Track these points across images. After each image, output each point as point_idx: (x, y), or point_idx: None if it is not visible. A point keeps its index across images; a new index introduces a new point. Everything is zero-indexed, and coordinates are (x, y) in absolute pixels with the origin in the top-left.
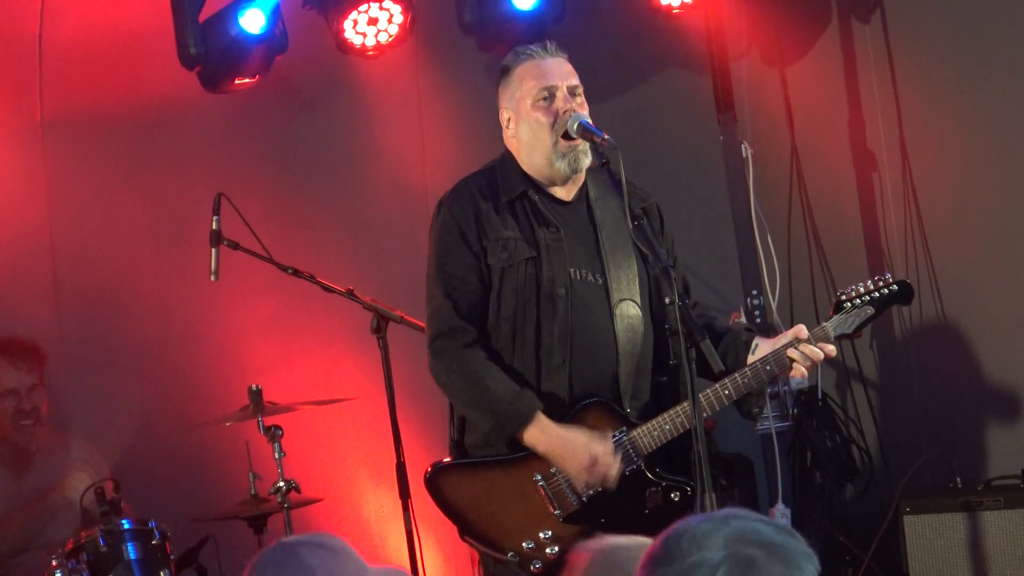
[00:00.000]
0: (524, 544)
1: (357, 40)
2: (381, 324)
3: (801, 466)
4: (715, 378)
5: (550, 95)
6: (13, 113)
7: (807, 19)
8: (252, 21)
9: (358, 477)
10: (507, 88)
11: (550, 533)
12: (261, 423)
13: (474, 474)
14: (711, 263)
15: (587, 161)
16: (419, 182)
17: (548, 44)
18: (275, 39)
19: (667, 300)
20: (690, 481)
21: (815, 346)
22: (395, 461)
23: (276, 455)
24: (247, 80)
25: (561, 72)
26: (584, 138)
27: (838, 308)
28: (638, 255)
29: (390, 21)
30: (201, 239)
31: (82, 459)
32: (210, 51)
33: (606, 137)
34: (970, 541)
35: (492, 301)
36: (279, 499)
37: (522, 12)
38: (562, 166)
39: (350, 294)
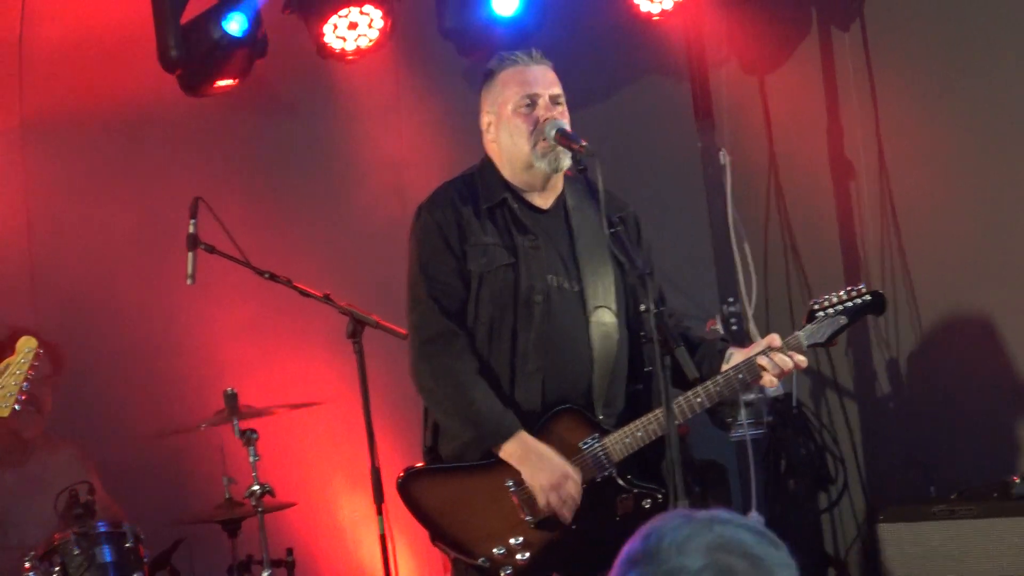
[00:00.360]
0: (495, 550)
1: (337, 45)
2: (357, 329)
3: (775, 473)
4: (689, 386)
5: (532, 102)
6: None
7: (786, 27)
8: (234, 24)
9: (332, 481)
10: (490, 92)
11: (521, 539)
12: (236, 427)
13: (446, 480)
14: (688, 270)
15: (567, 162)
16: (398, 187)
17: (533, 51)
18: (255, 43)
19: (643, 307)
20: (662, 488)
21: (785, 355)
22: (369, 466)
23: (251, 459)
24: (227, 84)
25: (545, 80)
26: (562, 144)
27: (811, 317)
28: (614, 263)
29: (370, 26)
30: (179, 243)
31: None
32: (191, 54)
33: (584, 144)
34: (945, 550)
35: (470, 306)
36: (253, 503)
37: (502, 18)
38: (542, 165)
39: (326, 299)
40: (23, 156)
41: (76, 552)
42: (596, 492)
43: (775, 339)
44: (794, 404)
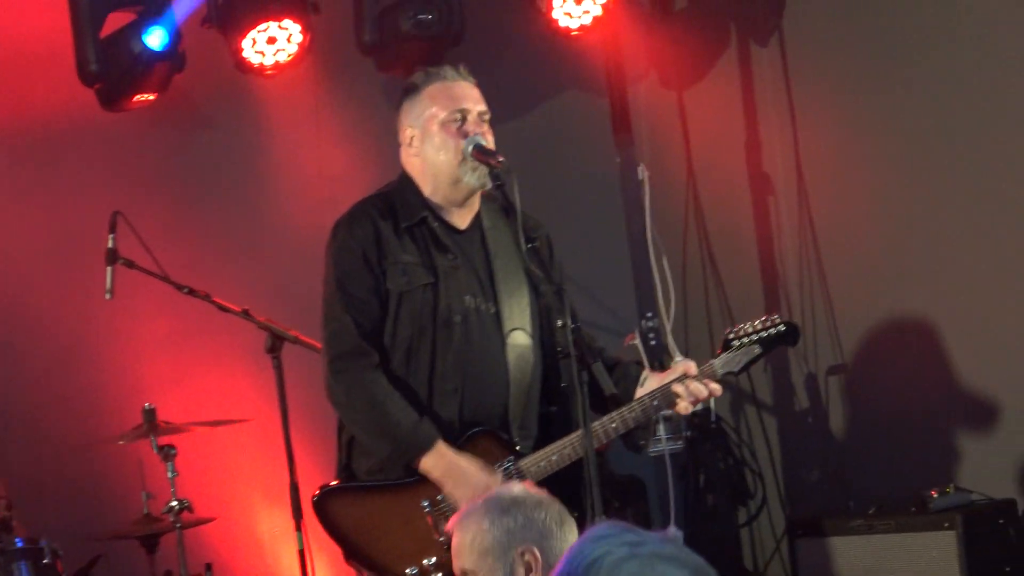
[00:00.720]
0: (408, 570)
1: (256, 59)
2: (276, 344)
3: (694, 488)
4: (604, 404)
5: (462, 118)
6: None
7: (705, 42)
8: (154, 38)
9: (251, 497)
10: (414, 106)
11: (434, 560)
12: (155, 442)
13: (363, 498)
14: (606, 285)
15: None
16: (316, 202)
17: (460, 68)
18: (175, 57)
19: (559, 322)
20: (575, 511)
21: (701, 383)
22: (288, 482)
23: (169, 474)
24: (146, 98)
25: (472, 96)
26: (479, 160)
27: (726, 346)
28: (529, 285)
29: (289, 40)
30: (98, 257)
31: None
32: (110, 68)
33: (501, 159)
34: (862, 564)
35: (388, 325)
36: (172, 518)
37: (420, 34)
38: (471, 180)
39: (245, 314)
40: None
41: None
42: None
43: (691, 367)
44: (713, 419)
